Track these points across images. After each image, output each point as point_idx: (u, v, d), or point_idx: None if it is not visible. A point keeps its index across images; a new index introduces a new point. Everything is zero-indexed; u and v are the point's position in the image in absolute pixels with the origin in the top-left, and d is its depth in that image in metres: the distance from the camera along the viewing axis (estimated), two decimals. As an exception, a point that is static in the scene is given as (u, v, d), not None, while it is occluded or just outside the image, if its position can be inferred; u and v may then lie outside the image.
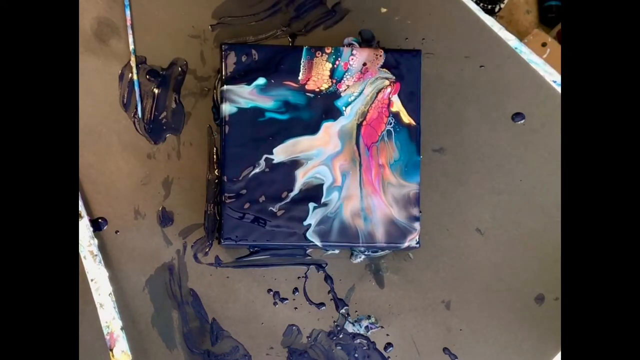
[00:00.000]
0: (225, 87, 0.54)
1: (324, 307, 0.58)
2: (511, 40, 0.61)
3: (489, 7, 1.15)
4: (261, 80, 0.54)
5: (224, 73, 0.54)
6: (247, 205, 0.54)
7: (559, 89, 0.60)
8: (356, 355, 0.58)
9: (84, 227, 0.56)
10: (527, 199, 0.60)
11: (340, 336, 0.58)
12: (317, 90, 0.55)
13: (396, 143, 0.55)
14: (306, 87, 0.55)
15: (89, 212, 0.57)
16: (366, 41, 0.60)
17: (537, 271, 0.59)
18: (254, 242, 0.54)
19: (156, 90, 0.59)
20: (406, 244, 0.55)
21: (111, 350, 0.54)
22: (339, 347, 0.58)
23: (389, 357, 0.58)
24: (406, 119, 0.55)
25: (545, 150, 0.60)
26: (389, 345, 0.58)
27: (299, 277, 0.58)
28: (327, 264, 0.58)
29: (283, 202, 0.54)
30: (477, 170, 0.60)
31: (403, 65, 0.55)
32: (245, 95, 0.54)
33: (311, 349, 0.57)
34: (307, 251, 0.58)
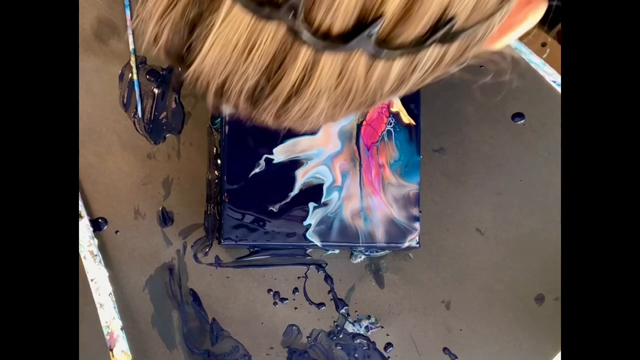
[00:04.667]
0: (225, 87, 0.54)
1: (324, 307, 0.58)
2: (511, 40, 0.61)
3: None
4: (261, 80, 0.54)
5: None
6: (247, 205, 0.54)
7: (559, 89, 0.60)
8: (356, 355, 0.58)
9: (84, 227, 0.56)
10: (527, 199, 0.60)
11: (340, 336, 0.58)
12: (317, 90, 0.55)
13: (396, 143, 0.55)
14: (306, 87, 0.55)
15: (89, 212, 0.57)
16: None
17: (537, 271, 0.59)
18: (254, 242, 0.54)
19: (156, 90, 0.59)
20: (406, 244, 0.55)
21: (111, 350, 0.54)
22: (339, 347, 0.58)
23: (389, 357, 0.58)
24: (406, 119, 0.55)
25: (545, 150, 0.60)
26: (389, 345, 0.58)
27: (299, 277, 0.58)
28: (327, 264, 0.58)
29: (283, 202, 0.54)
30: (477, 170, 0.60)
31: (403, 65, 0.55)
32: (245, 95, 0.54)
33: (311, 349, 0.57)
34: (307, 251, 0.58)
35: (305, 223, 0.54)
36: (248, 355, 0.57)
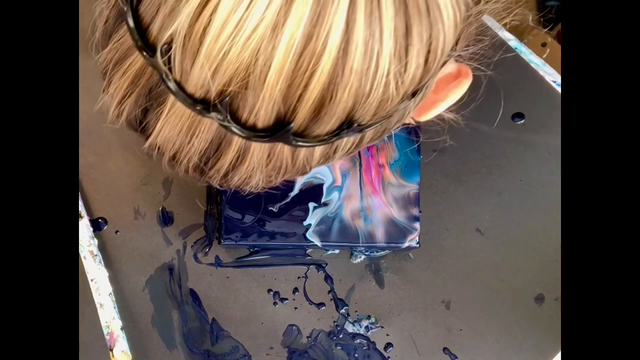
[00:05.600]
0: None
1: (324, 307, 0.58)
2: (511, 40, 0.61)
3: None
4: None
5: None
6: (247, 205, 0.54)
7: (559, 89, 0.60)
8: (356, 355, 0.58)
9: (84, 227, 0.56)
10: (527, 199, 0.60)
11: (340, 336, 0.58)
12: (317, 90, 0.55)
13: (396, 143, 0.55)
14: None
15: (89, 212, 0.57)
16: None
17: (537, 271, 0.59)
18: (254, 242, 0.54)
19: (156, 90, 0.59)
20: (406, 244, 0.55)
21: (111, 350, 0.54)
22: (339, 347, 0.58)
23: (389, 357, 0.58)
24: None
25: (545, 150, 0.60)
26: (389, 345, 0.58)
27: (299, 277, 0.58)
28: (327, 264, 0.58)
29: (283, 202, 0.54)
30: (477, 170, 0.60)
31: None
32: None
33: (311, 349, 0.57)
34: (307, 251, 0.58)
35: (305, 223, 0.54)
36: (248, 355, 0.57)
